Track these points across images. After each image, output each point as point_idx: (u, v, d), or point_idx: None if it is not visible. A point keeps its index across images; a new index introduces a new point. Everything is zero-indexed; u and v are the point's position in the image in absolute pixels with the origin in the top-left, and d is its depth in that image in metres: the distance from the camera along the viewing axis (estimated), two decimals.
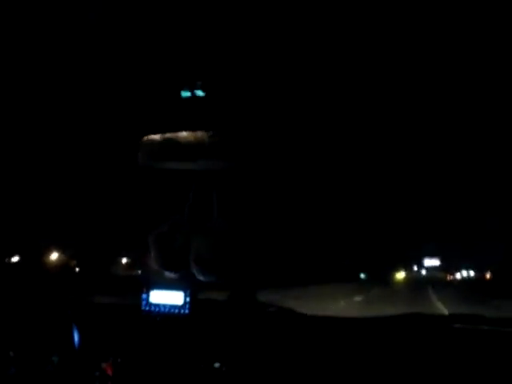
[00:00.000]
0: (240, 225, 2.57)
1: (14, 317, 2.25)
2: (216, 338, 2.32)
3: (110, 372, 2.26)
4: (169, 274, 2.38)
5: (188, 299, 2.37)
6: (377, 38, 2.90)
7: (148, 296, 2.43)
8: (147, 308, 2.45)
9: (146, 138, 2.53)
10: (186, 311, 2.40)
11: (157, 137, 2.57)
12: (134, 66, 2.84)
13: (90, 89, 3.11)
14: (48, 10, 2.70)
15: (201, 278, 2.17)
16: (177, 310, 2.42)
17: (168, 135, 2.59)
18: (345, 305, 16.45)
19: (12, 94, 3.20)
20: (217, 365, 2.22)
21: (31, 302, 2.29)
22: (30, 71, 3.10)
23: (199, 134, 2.57)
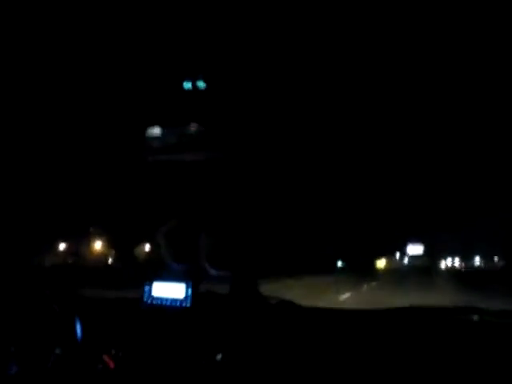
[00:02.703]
0: (240, 219, 2.55)
1: (15, 310, 2.22)
2: (218, 331, 2.32)
3: (111, 364, 2.25)
4: (174, 267, 2.37)
5: (190, 292, 2.37)
6: (376, 38, 2.89)
7: (150, 288, 2.42)
8: (149, 301, 2.45)
9: (146, 130, 2.49)
10: (188, 304, 2.40)
11: (158, 129, 2.54)
12: (136, 60, 2.81)
13: (91, 82, 3.07)
14: (48, 5, 2.66)
15: (213, 272, 2.17)
16: (178, 303, 2.41)
17: (168, 127, 2.55)
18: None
19: (13, 89, 3.15)
20: (218, 357, 2.22)
21: (32, 295, 2.26)
22: (31, 65, 3.05)
23: (200, 125, 2.54)
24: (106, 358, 2.38)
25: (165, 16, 2.63)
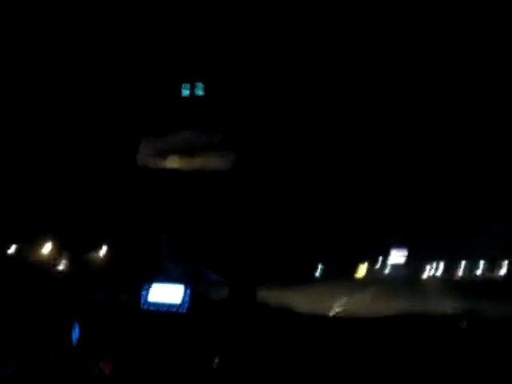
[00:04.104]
0: (241, 224, 2.56)
1: (13, 314, 2.21)
2: (214, 337, 2.30)
3: (107, 370, 2.23)
4: (173, 270, 2.37)
5: (187, 297, 2.35)
6: (377, 38, 2.93)
7: (147, 293, 2.41)
8: (145, 307, 2.43)
9: (145, 137, 2.51)
10: (184, 310, 2.38)
11: (156, 136, 2.55)
12: (134, 66, 2.84)
13: (90, 88, 3.10)
14: (48, 10, 2.70)
15: (213, 278, 2.18)
16: (175, 309, 2.39)
17: (167, 135, 2.57)
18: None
19: (12, 93, 3.17)
20: (216, 361, 2.20)
21: (30, 299, 2.25)
22: (30, 70, 3.08)
23: (198, 133, 2.56)
24: (101, 363, 2.35)
25: (163, 25, 2.67)
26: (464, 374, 2.03)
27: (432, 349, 2.18)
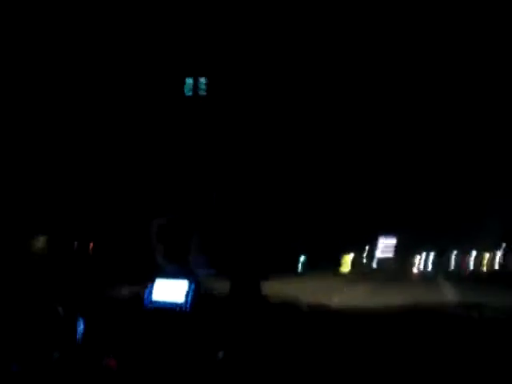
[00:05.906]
0: (242, 218, 2.58)
1: (16, 312, 2.24)
2: (219, 330, 2.33)
3: (113, 365, 2.25)
4: (165, 265, 2.39)
5: (191, 293, 2.38)
6: (377, 37, 2.94)
7: (152, 289, 2.44)
8: (150, 305, 2.46)
9: (147, 134, 2.53)
10: (188, 305, 2.41)
11: (157, 133, 2.57)
12: (137, 64, 2.85)
13: (92, 86, 3.11)
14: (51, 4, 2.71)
15: (202, 270, 2.20)
16: (179, 304, 2.43)
17: (167, 132, 2.59)
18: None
19: (16, 86, 3.18)
20: (220, 355, 2.23)
21: (34, 297, 2.28)
22: (33, 66, 3.09)
23: (199, 130, 2.58)
24: (107, 358, 2.37)
25: (168, 22, 2.68)
26: (476, 362, 2.04)
27: (444, 338, 2.19)
